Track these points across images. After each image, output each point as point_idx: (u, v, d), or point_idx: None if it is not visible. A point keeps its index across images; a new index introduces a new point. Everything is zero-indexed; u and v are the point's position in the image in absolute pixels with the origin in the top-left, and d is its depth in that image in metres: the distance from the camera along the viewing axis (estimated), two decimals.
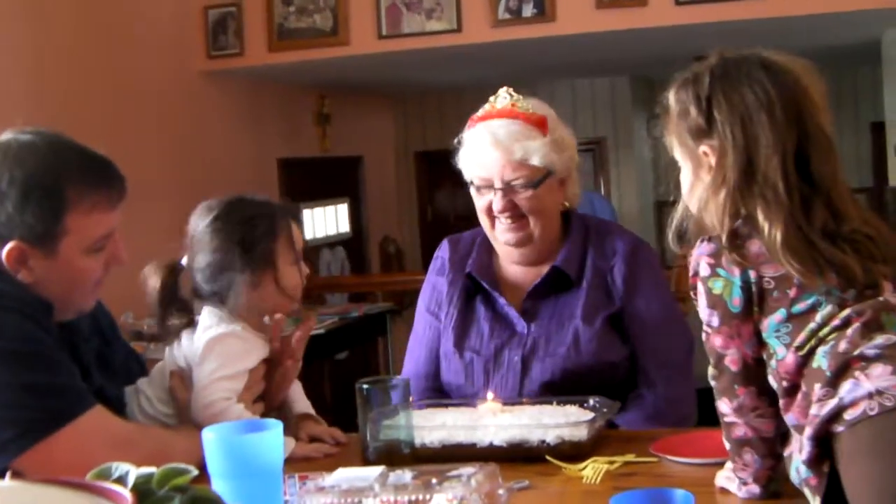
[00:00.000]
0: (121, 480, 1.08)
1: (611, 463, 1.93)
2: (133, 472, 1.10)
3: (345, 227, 8.65)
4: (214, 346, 2.15)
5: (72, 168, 1.98)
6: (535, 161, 2.41)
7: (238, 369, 2.16)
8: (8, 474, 0.85)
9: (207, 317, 2.19)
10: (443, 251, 2.65)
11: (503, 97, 2.49)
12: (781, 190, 1.61)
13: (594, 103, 9.51)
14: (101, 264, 2.03)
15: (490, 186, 2.43)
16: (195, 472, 1.14)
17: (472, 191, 2.50)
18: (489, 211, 2.46)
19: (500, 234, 2.48)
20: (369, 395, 2.03)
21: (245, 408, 2.13)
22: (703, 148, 1.70)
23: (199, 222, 2.21)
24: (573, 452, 1.97)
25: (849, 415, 1.46)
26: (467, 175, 2.50)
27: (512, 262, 2.55)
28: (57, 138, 2.03)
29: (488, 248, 2.59)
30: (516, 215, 2.44)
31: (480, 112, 2.50)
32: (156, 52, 5.92)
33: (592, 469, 1.89)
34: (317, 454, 2.16)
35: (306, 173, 7.81)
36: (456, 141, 2.52)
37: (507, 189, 2.42)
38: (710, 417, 2.41)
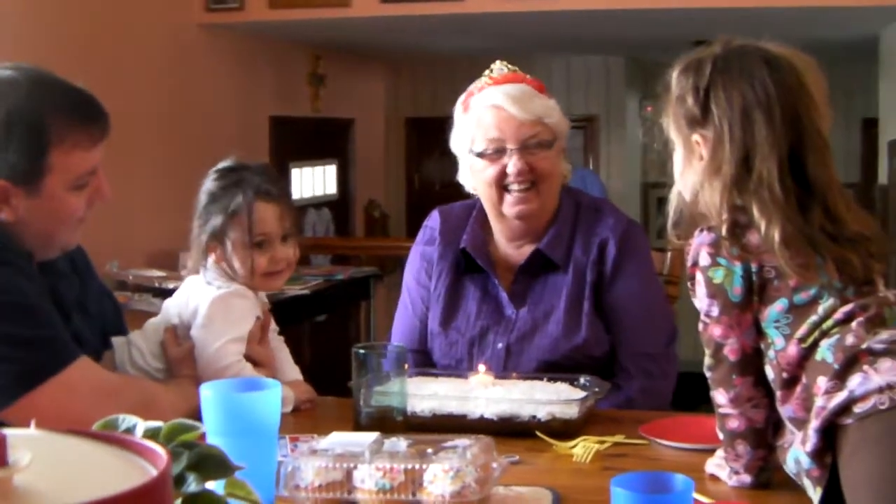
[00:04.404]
0: (129, 433, 1.08)
1: (601, 443, 1.94)
2: (141, 426, 1.10)
3: (332, 188, 8.61)
4: (220, 307, 2.15)
5: (56, 104, 1.95)
6: (550, 120, 2.40)
7: (243, 331, 2.17)
8: (32, 423, 0.84)
9: (208, 272, 2.19)
10: (432, 221, 2.59)
11: (500, 68, 2.47)
12: (777, 191, 1.62)
13: (588, 81, 9.48)
14: (83, 200, 2.00)
15: (502, 150, 2.38)
16: (203, 428, 1.13)
17: (477, 162, 2.42)
18: (499, 180, 2.39)
19: (509, 207, 2.41)
20: (365, 360, 2.03)
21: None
22: (696, 137, 1.71)
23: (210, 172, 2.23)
24: (563, 430, 1.98)
25: (858, 408, 1.47)
26: (473, 146, 2.42)
27: (509, 239, 2.49)
28: (39, 73, 1.99)
29: (484, 224, 2.52)
30: (528, 181, 2.38)
31: (479, 83, 2.45)
32: (155, 3, 5.87)
33: (583, 448, 1.91)
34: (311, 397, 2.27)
35: (297, 132, 7.76)
36: (450, 117, 2.47)
37: (524, 150, 2.37)
38: (687, 402, 2.43)
